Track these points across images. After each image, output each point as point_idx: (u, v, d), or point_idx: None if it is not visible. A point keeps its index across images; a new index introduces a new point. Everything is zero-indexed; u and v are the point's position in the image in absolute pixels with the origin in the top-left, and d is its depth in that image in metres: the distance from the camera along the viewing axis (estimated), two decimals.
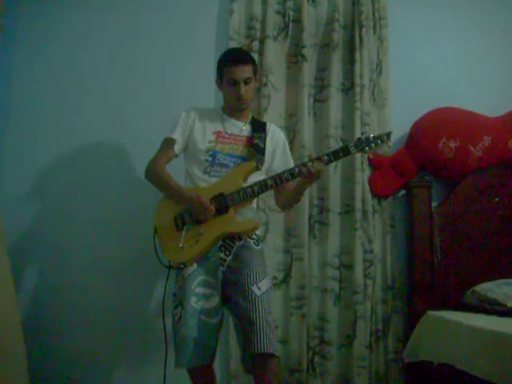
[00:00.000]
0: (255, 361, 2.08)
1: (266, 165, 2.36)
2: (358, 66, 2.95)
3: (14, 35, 2.95)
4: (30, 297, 2.79)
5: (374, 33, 3.03)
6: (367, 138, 2.20)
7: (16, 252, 2.66)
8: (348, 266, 2.89)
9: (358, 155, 2.90)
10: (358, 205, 2.88)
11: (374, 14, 3.04)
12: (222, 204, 2.20)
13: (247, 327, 2.05)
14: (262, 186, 2.21)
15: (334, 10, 3.00)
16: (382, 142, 2.20)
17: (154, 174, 2.32)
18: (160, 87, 2.97)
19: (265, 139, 2.35)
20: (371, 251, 2.90)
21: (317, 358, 2.84)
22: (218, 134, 2.33)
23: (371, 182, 2.95)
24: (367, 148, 2.19)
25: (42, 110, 2.95)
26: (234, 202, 2.20)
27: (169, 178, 2.27)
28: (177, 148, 2.33)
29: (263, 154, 2.32)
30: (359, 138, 2.21)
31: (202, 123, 2.36)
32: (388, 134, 2.23)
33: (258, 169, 2.27)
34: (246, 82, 2.27)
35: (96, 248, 2.86)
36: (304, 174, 2.17)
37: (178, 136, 2.33)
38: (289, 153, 2.47)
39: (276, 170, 2.33)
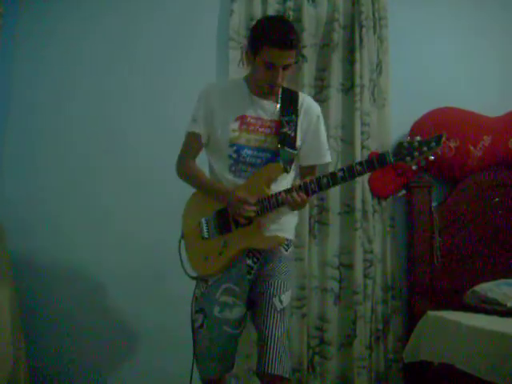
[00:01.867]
0: (266, 378, 1.93)
1: (295, 155, 2.04)
2: (358, 66, 2.95)
3: (14, 35, 2.95)
4: (30, 296, 2.79)
5: (374, 33, 3.03)
6: (410, 144, 1.79)
7: (16, 250, 2.66)
8: (348, 266, 2.89)
9: (358, 155, 2.89)
10: (358, 205, 2.88)
11: (374, 14, 3.04)
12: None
13: (262, 343, 1.93)
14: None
15: (334, 9, 3.00)
16: (430, 149, 1.78)
17: (186, 173, 2.10)
18: (160, 87, 2.96)
19: (296, 123, 2.01)
20: (371, 251, 2.90)
21: (317, 358, 2.84)
22: (241, 119, 2.00)
23: (371, 182, 2.95)
24: (408, 158, 1.80)
25: (41, 110, 2.95)
26: (257, 213, 1.93)
27: (201, 175, 2.07)
28: (204, 139, 2.05)
29: (293, 146, 2.00)
30: (400, 144, 1.81)
31: (224, 107, 2.01)
32: (438, 139, 1.78)
33: (285, 171, 1.97)
34: (285, 68, 1.92)
35: (98, 248, 2.86)
36: (288, 203, 1.89)
37: (200, 129, 2.03)
38: (321, 141, 2.11)
39: (304, 160, 2.08)
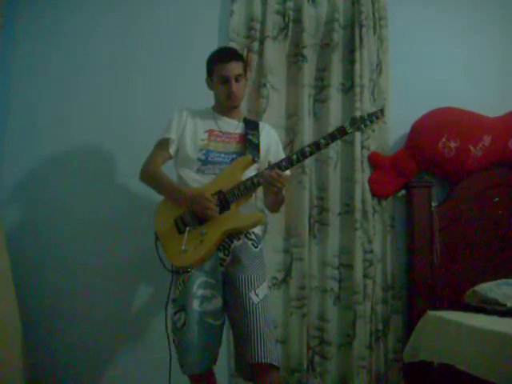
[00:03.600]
0: (254, 371, 2.01)
1: (261, 161, 2.28)
2: (357, 66, 2.95)
3: (14, 35, 2.95)
4: (29, 294, 2.78)
5: (374, 33, 3.03)
6: (361, 117, 2.20)
7: (16, 249, 2.66)
8: (348, 266, 2.89)
9: (358, 155, 2.90)
10: (358, 205, 2.88)
11: (374, 14, 3.04)
12: (223, 201, 2.12)
13: (244, 336, 2.00)
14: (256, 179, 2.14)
15: (334, 9, 3.00)
16: (377, 118, 2.19)
17: (150, 176, 2.25)
18: (160, 87, 2.97)
19: (258, 136, 2.30)
20: (371, 251, 2.90)
21: (317, 358, 2.84)
22: (210, 132, 2.27)
23: (371, 182, 2.95)
24: (363, 126, 2.18)
25: (41, 109, 2.95)
26: (235, 198, 2.12)
27: (167, 179, 2.22)
28: (172, 149, 2.27)
29: (257, 149, 2.26)
30: (353, 117, 2.20)
31: (194, 122, 2.29)
32: (382, 110, 2.23)
33: (254, 161, 2.21)
34: (237, 80, 2.22)
35: (96, 246, 2.86)
36: (264, 184, 2.13)
37: (173, 135, 2.26)
38: (282, 153, 2.41)
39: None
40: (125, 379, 2.80)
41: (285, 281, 2.86)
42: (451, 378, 2.39)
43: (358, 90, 2.94)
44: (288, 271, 2.86)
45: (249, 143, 2.25)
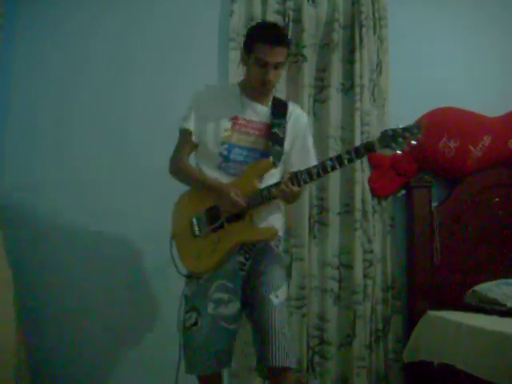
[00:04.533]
0: (271, 373, 1.99)
1: (284, 156, 2.12)
2: (357, 66, 2.95)
3: (14, 35, 2.95)
4: (30, 296, 2.78)
5: (374, 33, 3.03)
6: (394, 132, 1.93)
7: (16, 249, 2.67)
8: (348, 266, 2.89)
9: None
10: (358, 205, 2.88)
11: (374, 14, 3.03)
12: None
13: (263, 338, 1.95)
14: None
15: (334, 9, 3.00)
16: (412, 134, 1.93)
17: (179, 170, 2.15)
18: (160, 87, 2.97)
19: (285, 127, 2.11)
20: (371, 251, 2.90)
21: (317, 358, 2.84)
22: (235, 120, 2.09)
23: (371, 182, 2.95)
24: (394, 144, 1.93)
25: (41, 109, 2.96)
26: (249, 207, 2.01)
27: (194, 171, 2.12)
28: (195, 138, 2.12)
29: (282, 145, 2.09)
30: (385, 132, 1.94)
31: (217, 108, 2.11)
32: (418, 125, 1.94)
33: (275, 166, 2.05)
34: (276, 67, 2.03)
35: (98, 244, 2.88)
36: (279, 195, 1.99)
37: (192, 126, 2.11)
38: (309, 146, 2.21)
39: (293, 165, 2.12)
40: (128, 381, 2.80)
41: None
42: (451, 377, 2.39)
43: (358, 90, 2.94)
44: (288, 271, 2.85)
45: (273, 139, 2.08)
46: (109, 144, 2.93)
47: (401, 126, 1.95)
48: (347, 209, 2.94)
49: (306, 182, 1.98)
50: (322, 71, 3.02)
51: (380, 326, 2.87)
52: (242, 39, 2.93)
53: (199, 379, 2.11)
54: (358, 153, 1.96)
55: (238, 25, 2.97)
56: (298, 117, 2.22)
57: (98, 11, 3.02)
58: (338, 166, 1.97)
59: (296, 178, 1.96)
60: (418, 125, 1.95)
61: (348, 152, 1.96)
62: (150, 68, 3.00)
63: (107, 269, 2.85)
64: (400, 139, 1.93)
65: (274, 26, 2.17)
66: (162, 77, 2.98)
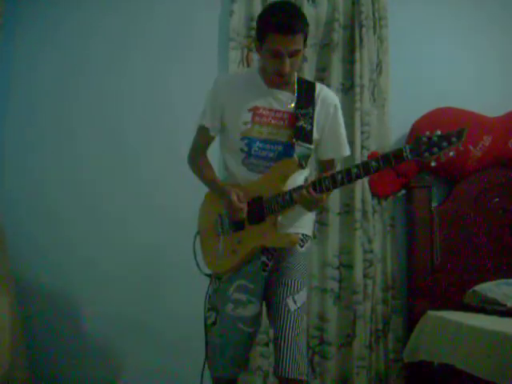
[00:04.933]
0: (281, 381, 1.89)
1: (313, 147, 1.95)
2: (358, 66, 2.95)
3: (14, 35, 2.95)
4: (31, 298, 2.79)
5: (374, 33, 3.03)
6: (429, 139, 1.68)
7: (16, 250, 2.67)
8: (348, 266, 2.89)
9: (358, 155, 2.89)
10: (358, 205, 2.88)
11: (373, 14, 3.03)
12: (259, 210, 1.89)
13: (277, 345, 1.88)
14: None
15: (334, 9, 3.00)
16: (451, 144, 1.67)
17: (195, 165, 2.06)
18: (160, 87, 2.97)
19: (312, 116, 1.91)
20: (371, 251, 2.90)
21: (317, 358, 2.84)
22: (254, 110, 1.91)
23: (371, 182, 2.95)
24: (427, 154, 1.68)
25: (41, 109, 2.95)
26: (271, 210, 1.87)
27: (208, 172, 2.03)
28: (213, 132, 1.99)
29: (309, 141, 1.90)
30: (418, 139, 1.69)
31: (235, 99, 1.93)
32: (459, 133, 1.67)
33: (301, 167, 1.88)
34: (292, 55, 1.82)
35: (99, 247, 2.88)
36: (300, 202, 1.83)
37: (208, 122, 1.97)
38: (340, 133, 2.01)
39: (323, 152, 1.99)
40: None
41: None
42: (451, 377, 2.39)
43: (358, 89, 2.94)
44: None
45: (298, 134, 1.88)
46: (109, 144, 2.93)
47: (438, 133, 1.68)
48: (347, 209, 2.94)
49: (329, 189, 1.80)
50: (322, 71, 3.02)
51: (380, 326, 2.87)
52: (242, 39, 2.95)
53: (214, 381, 2.04)
54: (386, 161, 1.72)
55: (238, 25, 2.97)
56: (326, 98, 1.98)
57: (98, 11, 3.02)
58: (363, 175, 1.76)
59: (319, 183, 1.79)
60: (459, 132, 1.67)
61: (376, 160, 1.73)
62: (150, 68, 3.00)
63: (107, 269, 2.85)
64: (435, 149, 1.67)
65: (286, 10, 1.83)
66: (161, 77, 2.98)
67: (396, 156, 1.72)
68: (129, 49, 3.01)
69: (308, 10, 2.99)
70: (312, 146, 1.92)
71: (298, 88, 1.95)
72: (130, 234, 2.87)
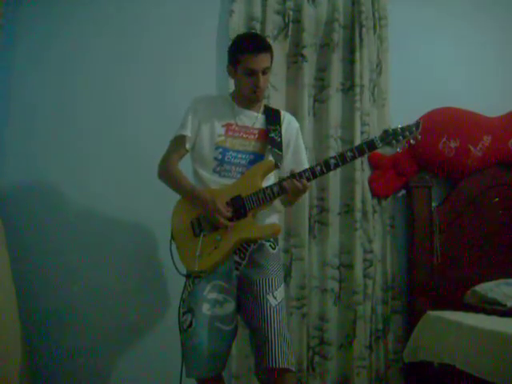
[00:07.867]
0: (269, 375, 1.95)
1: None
2: (358, 66, 2.95)
3: (14, 35, 2.95)
4: (30, 293, 2.78)
5: (374, 33, 3.03)
6: (394, 131, 2.06)
7: (16, 250, 2.66)
8: (348, 266, 2.89)
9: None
10: (358, 205, 2.88)
11: (373, 14, 3.04)
12: (240, 207, 2.03)
13: (261, 339, 1.94)
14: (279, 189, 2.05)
15: (334, 9, 3.00)
16: (411, 133, 2.07)
17: (167, 175, 2.17)
18: (160, 87, 2.96)
19: (280, 132, 2.17)
20: (371, 251, 2.90)
21: (317, 358, 2.84)
22: (228, 126, 2.14)
23: (371, 182, 2.95)
24: (394, 141, 2.06)
25: (41, 109, 2.95)
26: (253, 206, 2.03)
27: (183, 179, 2.14)
28: (188, 145, 2.15)
29: (281, 149, 2.14)
30: (385, 130, 2.07)
31: (210, 115, 2.16)
32: (417, 125, 2.08)
33: (277, 167, 2.10)
34: (264, 73, 2.08)
35: (99, 246, 2.87)
36: (291, 189, 2.02)
37: (188, 132, 2.14)
38: (302, 148, 2.27)
39: (287, 167, 2.17)
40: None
41: (285, 281, 2.85)
42: (451, 377, 2.40)
43: (357, 89, 2.94)
44: (288, 271, 2.85)
45: (271, 143, 2.14)
46: (109, 144, 2.93)
47: (401, 126, 2.08)
48: (347, 209, 2.94)
49: (309, 179, 2.04)
50: (322, 71, 3.02)
51: (380, 326, 2.88)
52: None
53: (198, 382, 2.08)
54: (360, 150, 2.05)
55: (238, 25, 2.97)
56: (291, 122, 2.28)
57: (99, 11, 3.02)
58: (340, 164, 2.05)
59: (299, 175, 2.03)
60: (417, 124, 2.08)
61: (350, 150, 2.05)
62: (150, 68, 2.99)
63: (107, 269, 2.85)
64: (400, 137, 2.06)
65: (253, 35, 2.38)
66: (161, 76, 2.97)
67: (368, 145, 2.06)
68: (129, 49, 3.00)
69: (308, 10, 3.00)
70: (282, 154, 2.14)
71: (265, 110, 2.23)
72: (132, 232, 2.87)
